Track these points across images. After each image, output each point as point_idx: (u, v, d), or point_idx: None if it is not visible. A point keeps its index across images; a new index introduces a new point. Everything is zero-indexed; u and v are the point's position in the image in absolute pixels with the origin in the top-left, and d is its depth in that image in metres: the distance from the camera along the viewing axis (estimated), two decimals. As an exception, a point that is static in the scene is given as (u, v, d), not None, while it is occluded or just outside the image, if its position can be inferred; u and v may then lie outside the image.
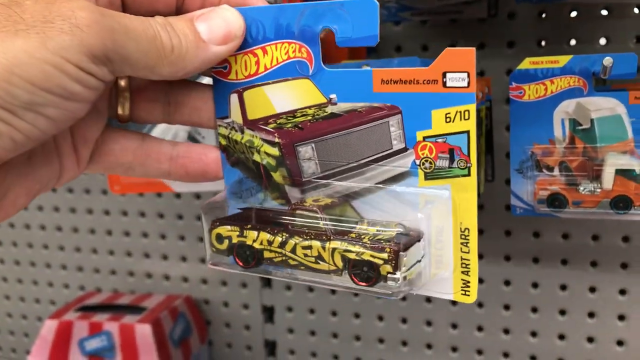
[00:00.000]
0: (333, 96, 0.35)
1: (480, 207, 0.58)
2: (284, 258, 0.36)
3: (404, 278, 0.33)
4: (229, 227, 0.37)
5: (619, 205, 0.48)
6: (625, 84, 0.52)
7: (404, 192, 0.35)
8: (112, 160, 0.37)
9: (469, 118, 0.32)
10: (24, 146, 0.29)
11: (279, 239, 0.36)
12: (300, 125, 0.36)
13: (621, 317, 0.71)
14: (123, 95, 0.36)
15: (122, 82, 0.36)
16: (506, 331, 0.76)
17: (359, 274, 0.34)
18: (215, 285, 0.86)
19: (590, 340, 0.72)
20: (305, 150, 0.36)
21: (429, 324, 0.78)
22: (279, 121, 0.36)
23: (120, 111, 0.36)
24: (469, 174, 0.33)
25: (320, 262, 0.35)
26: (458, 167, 0.33)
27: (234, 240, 0.37)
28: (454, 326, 0.77)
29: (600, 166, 0.49)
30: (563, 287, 0.72)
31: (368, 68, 0.35)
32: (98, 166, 0.37)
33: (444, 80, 0.32)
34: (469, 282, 0.34)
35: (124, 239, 0.89)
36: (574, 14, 0.66)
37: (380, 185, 0.35)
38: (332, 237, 0.35)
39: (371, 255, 0.33)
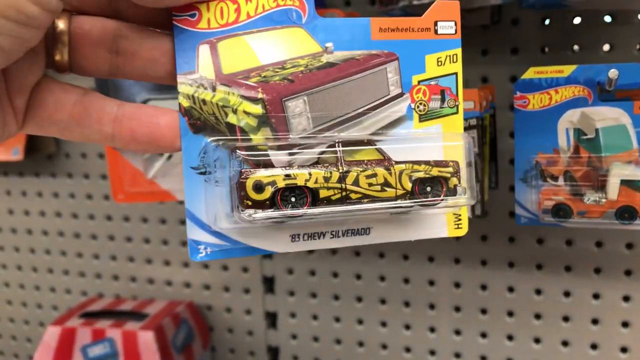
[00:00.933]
0: (329, 45, 0.35)
1: (484, 214, 0.58)
2: (344, 193, 0.34)
3: (464, 190, 0.37)
4: (269, 172, 0.33)
5: (624, 216, 0.48)
6: (629, 93, 0.52)
7: (403, 133, 0.37)
8: (45, 116, 0.32)
9: (456, 61, 0.36)
10: None
11: (337, 173, 0.34)
12: (290, 78, 0.34)
13: (625, 324, 0.71)
14: (61, 39, 0.31)
15: (61, 24, 0.31)
16: (510, 337, 0.75)
17: (425, 192, 0.36)
18: (217, 291, 0.86)
19: (594, 347, 0.72)
20: (296, 105, 0.34)
21: (432, 330, 0.78)
22: (263, 74, 0.34)
23: (58, 57, 0.31)
24: (457, 112, 0.37)
25: (387, 189, 0.35)
26: (448, 106, 0.37)
27: (280, 185, 0.33)
28: (457, 332, 0.77)
29: (605, 176, 0.49)
30: (567, 294, 0.72)
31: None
32: (33, 123, 0.32)
33: (436, 28, 0.36)
34: (460, 215, 0.37)
35: (126, 245, 0.89)
36: (577, 20, 0.66)
37: (380, 132, 0.36)
38: (395, 162, 0.36)
39: (439, 171, 0.36)
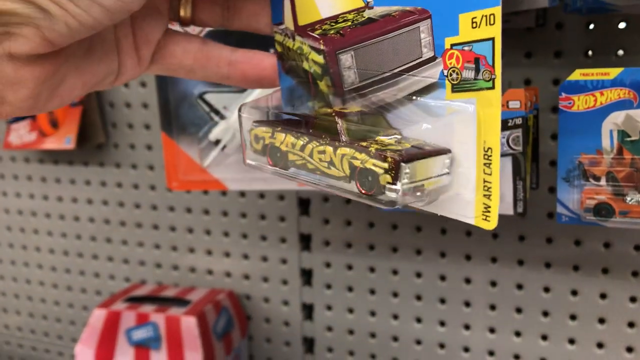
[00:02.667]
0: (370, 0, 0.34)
1: (522, 213, 0.59)
2: (304, 161, 0.36)
3: (404, 191, 0.32)
4: (263, 129, 0.38)
5: (667, 217, 0.49)
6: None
7: (432, 104, 0.33)
8: (174, 62, 0.38)
9: (494, 23, 0.30)
10: (78, 33, 0.30)
11: (300, 142, 0.36)
12: (341, 32, 0.35)
13: (630, 324, 0.71)
14: None
15: None
16: (544, 337, 0.76)
17: (364, 182, 0.34)
18: (256, 281, 0.89)
19: (630, 350, 0.73)
20: (346, 58, 0.35)
21: (467, 327, 0.80)
22: (323, 27, 0.36)
23: (182, 13, 0.37)
24: (493, 87, 0.31)
25: (332, 168, 0.35)
26: (483, 79, 0.31)
27: (266, 142, 0.38)
28: (492, 330, 0.78)
29: (649, 177, 0.50)
30: (603, 296, 0.73)
31: None
32: (160, 67, 0.38)
33: None
34: (489, 206, 0.32)
35: (170, 234, 0.92)
36: (622, 25, 0.66)
37: (413, 97, 0.34)
38: (342, 144, 0.34)
39: (373, 164, 0.33)
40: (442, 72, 0.32)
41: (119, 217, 0.94)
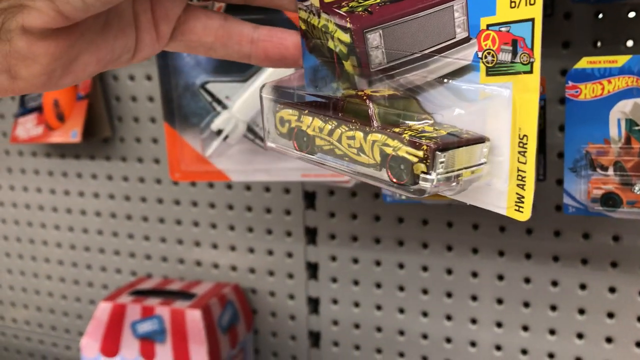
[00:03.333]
0: None
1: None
2: (331, 147, 0.35)
3: (439, 181, 0.30)
4: (290, 111, 0.36)
5: (675, 206, 0.48)
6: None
7: (464, 88, 0.32)
8: (194, 39, 0.36)
9: (534, 3, 0.28)
10: (93, 7, 0.29)
11: (328, 126, 0.34)
12: (369, 9, 0.33)
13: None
14: None
15: None
16: (552, 332, 0.75)
17: (395, 170, 0.32)
18: (262, 275, 0.88)
19: (639, 344, 0.72)
20: (374, 38, 0.33)
21: (473, 321, 0.79)
22: (351, 4, 0.34)
23: None
24: (531, 71, 0.29)
25: (362, 155, 0.33)
26: (521, 62, 0.29)
27: (292, 125, 0.36)
28: (499, 325, 0.78)
29: (657, 167, 0.49)
30: (612, 290, 0.72)
31: None
32: (179, 44, 0.37)
33: None
34: (523, 197, 0.31)
35: (175, 227, 0.91)
36: (632, 14, 0.65)
37: (444, 80, 0.32)
38: (374, 129, 0.32)
39: (407, 152, 0.31)
40: (476, 53, 0.31)
41: (125, 210, 0.94)
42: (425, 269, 0.80)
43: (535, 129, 0.30)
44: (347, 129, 0.33)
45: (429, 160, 0.30)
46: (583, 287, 0.73)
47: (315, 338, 0.89)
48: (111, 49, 0.33)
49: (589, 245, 0.71)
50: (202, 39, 0.36)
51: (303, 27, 0.36)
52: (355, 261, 0.83)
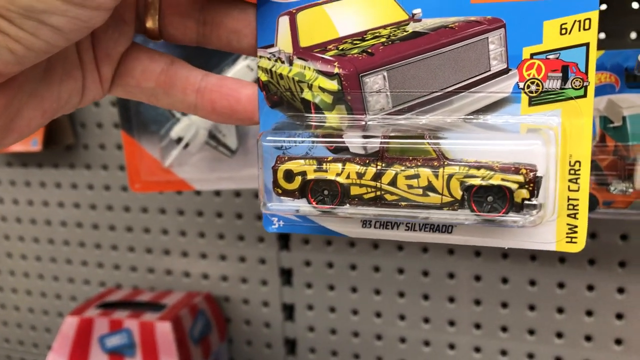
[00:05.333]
0: (417, 11, 0.30)
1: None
2: (378, 193, 0.30)
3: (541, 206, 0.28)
4: (302, 162, 0.31)
5: (653, 206, 0.47)
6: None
7: (501, 123, 0.29)
8: (132, 84, 0.32)
9: (589, 28, 0.28)
10: (27, 60, 0.25)
11: (372, 169, 0.30)
12: (369, 50, 0.30)
13: (650, 319, 0.69)
14: (153, 6, 0.32)
15: None
16: (531, 332, 0.74)
17: (482, 203, 0.29)
18: (235, 283, 0.86)
19: (618, 342, 0.71)
20: (374, 81, 0.30)
21: (451, 324, 0.77)
22: (341, 47, 0.31)
23: (149, 24, 0.32)
24: (585, 95, 0.28)
25: (430, 194, 0.29)
26: (572, 87, 0.28)
27: (310, 176, 0.31)
28: (477, 326, 0.76)
29: (633, 165, 0.47)
30: (590, 288, 0.70)
31: None
32: (120, 89, 0.33)
33: None
34: (576, 227, 0.29)
35: (144, 236, 0.89)
36: (603, 7, 0.64)
37: (473, 117, 0.30)
38: (446, 163, 0.29)
39: (502, 179, 0.28)
40: (516, 84, 0.29)
41: (92, 220, 0.91)
42: (401, 271, 0.78)
43: (589, 154, 0.29)
44: (404, 167, 0.29)
45: (532, 185, 0.28)
46: (561, 285, 0.71)
47: (291, 345, 0.87)
48: (57, 97, 0.30)
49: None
50: (141, 84, 0.32)
51: (264, 78, 0.32)
52: (330, 266, 0.81)
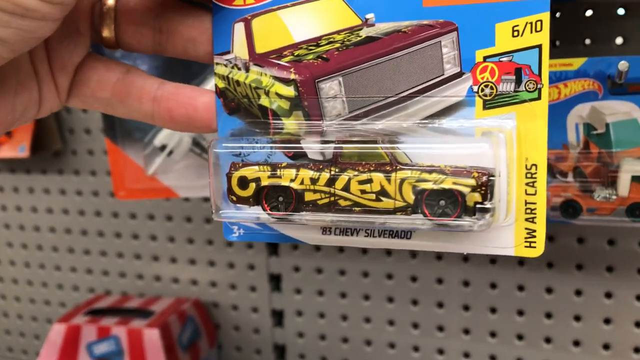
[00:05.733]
0: (370, 16, 0.30)
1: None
2: (332, 198, 0.30)
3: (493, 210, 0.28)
4: (256, 168, 0.31)
5: (635, 213, 0.47)
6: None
7: (456, 127, 0.29)
8: (88, 94, 0.32)
9: (541, 30, 0.28)
10: None
11: (326, 174, 0.29)
12: (324, 56, 0.30)
13: (638, 324, 0.69)
14: (109, 14, 0.31)
15: (110, 0, 0.32)
16: (520, 337, 0.74)
17: (434, 207, 0.28)
18: (224, 289, 0.86)
19: (606, 347, 0.71)
20: (330, 87, 0.30)
21: (440, 329, 0.77)
22: (297, 52, 0.31)
23: (105, 33, 0.31)
24: (539, 97, 0.28)
25: (383, 199, 0.29)
26: (526, 90, 0.28)
27: (264, 183, 0.31)
28: (466, 332, 0.76)
29: (616, 172, 0.47)
30: (578, 293, 0.70)
31: None
32: (77, 99, 0.32)
33: None
34: (534, 230, 0.29)
35: (132, 242, 0.88)
36: (589, 12, 0.64)
37: (427, 123, 0.30)
38: (398, 167, 0.29)
39: (454, 183, 0.28)
40: (470, 88, 0.29)
41: (80, 226, 0.91)
42: (389, 276, 0.78)
43: (545, 157, 0.28)
44: (356, 172, 0.29)
45: (484, 188, 0.28)
46: (549, 291, 0.71)
47: (280, 351, 0.87)
48: (11, 109, 0.29)
49: (554, 249, 0.70)
50: (97, 94, 0.32)
51: (221, 85, 0.32)
52: (319, 271, 0.81)
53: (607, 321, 0.70)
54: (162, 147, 0.58)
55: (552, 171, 0.50)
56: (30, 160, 0.89)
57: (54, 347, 0.78)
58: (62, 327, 0.78)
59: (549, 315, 0.72)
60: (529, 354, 0.74)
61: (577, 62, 0.48)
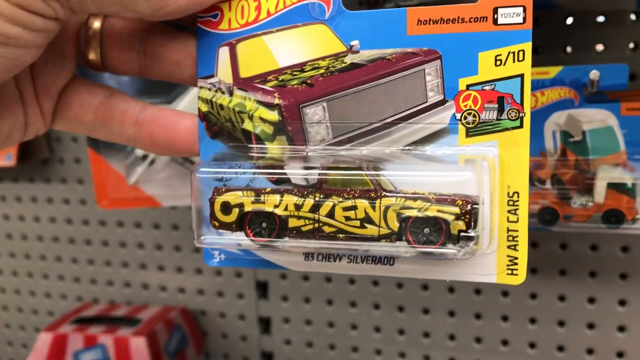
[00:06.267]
0: (355, 43, 0.30)
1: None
2: (316, 225, 0.29)
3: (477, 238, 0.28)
4: (239, 193, 0.31)
5: (611, 220, 0.47)
6: (620, 94, 0.51)
7: (440, 154, 0.29)
8: (72, 117, 0.32)
9: (523, 59, 0.28)
10: None
11: (310, 201, 0.29)
12: (309, 81, 0.30)
13: (621, 329, 0.70)
14: (95, 38, 0.31)
15: (96, 23, 0.32)
16: (504, 342, 0.74)
17: (419, 235, 0.28)
18: (211, 296, 0.86)
19: (590, 352, 0.71)
20: (314, 112, 0.30)
21: (426, 335, 0.77)
22: (281, 77, 0.31)
23: (92, 56, 0.32)
24: (521, 126, 0.29)
25: (368, 226, 0.29)
26: (508, 119, 0.29)
27: (248, 208, 0.30)
28: (452, 337, 0.76)
29: (592, 179, 0.48)
30: (561, 298, 0.71)
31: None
32: (61, 123, 0.32)
33: (495, 16, 0.28)
34: (516, 258, 0.29)
35: (120, 250, 0.88)
36: (569, 20, 0.65)
37: (411, 149, 0.30)
38: (382, 194, 0.29)
39: (438, 210, 0.28)
40: (453, 115, 0.29)
41: (68, 234, 0.91)
42: (375, 283, 0.78)
43: (527, 185, 0.29)
44: (341, 199, 0.29)
45: (468, 216, 0.28)
46: (533, 296, 0.72)
47: (267, 358, 0.87)
48: None
49: (537, 255, 0.70)
50: (80, 117, 0.32)
51: (204, 108, 0.32)
52: (306, 278, 0.81)
53: (590, 326, 0.70)
54: (144, 157, 0.58)
55: (530, 178, 0.50)
56: (18, 169, 0.89)
57: (40, 356, 0.78)
58: (48, 336, 0.78)
59: (533, 321, 0.73)
60: (514, 359, 0.74)
61: (553, 71, 0.48)
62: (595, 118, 0.48)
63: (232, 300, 0.85)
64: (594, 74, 0.45)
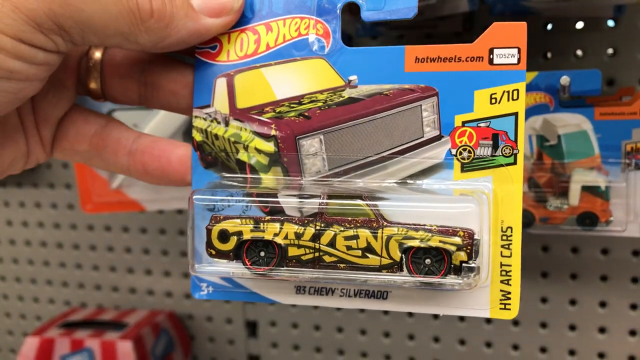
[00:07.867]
0: (353, 78, 0.30)
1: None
2: (317, 254, 0.29)
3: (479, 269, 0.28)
4: (238, 221, 0.30)
5: (585, 222, 0.48)
6: (596, 99, 0.52)
7: (435, 188, 0.30)
8: (67, 146, 0.32)
9: (518, 98, 0.29)
10: None
11: (311, 229, 0.29)
12: (306, 114, 0.30)
13: (602, 330, 0.70)
14: (95, 68, 0.32)
15: (97, 53, 0.32)
16: (488, 345, 0.75)
17: (420, 265, 0.28)
18: (198, 300, 0.86)
19: (572, 353, 0.72)
20: (311, 144, 0.30)
21: (411, 337, 0.78)
22: (278, 109, 0.31)
23: (92, 85, 0.32)
24: (515, 162, 0.29)
25: (370, 255, 0.29)
26: (502, 155, 0.29)
27: (246, 236, 0.30)
28: (436, 340, 0.77)
29: (567, 182, 0.49)
30: (543, 300, 0.72)
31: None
32: (59, 152, 0.32)
33: (491, 57, 0.29)
34: (509, 292, 0.29)
35: (107, 255, 0.89)
36: (549, 27, 0.66)
37: (408, 182, 0.30)
38: (384, 224, 0.29)
39: (440, 241, 0.28)
40: (449, 151, 0.30)
41: (56, 239, 0.91)
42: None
43: (520, 221, 0.29)
44: (343, 228, 0.29)
45: (469, 247, 0.28)
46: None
47: (255, 361, 0.87)
48: None
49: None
50: (75, 147, 0.32)
51: (199, 138, 0.32)
52: (292, 282, 0.81)
53: (572, 328, 0.71)
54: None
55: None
56: (5, 174, 0.90)
57: (27, 360, 0.78)
58: (35, 340, 0.78)
59: (515, 323, 0.73)
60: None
61: (529, 76, 0.49)
62: (570, 122, 0.49)
63: (219, 303, 0.85)
64: (565, 80, 0.46)
